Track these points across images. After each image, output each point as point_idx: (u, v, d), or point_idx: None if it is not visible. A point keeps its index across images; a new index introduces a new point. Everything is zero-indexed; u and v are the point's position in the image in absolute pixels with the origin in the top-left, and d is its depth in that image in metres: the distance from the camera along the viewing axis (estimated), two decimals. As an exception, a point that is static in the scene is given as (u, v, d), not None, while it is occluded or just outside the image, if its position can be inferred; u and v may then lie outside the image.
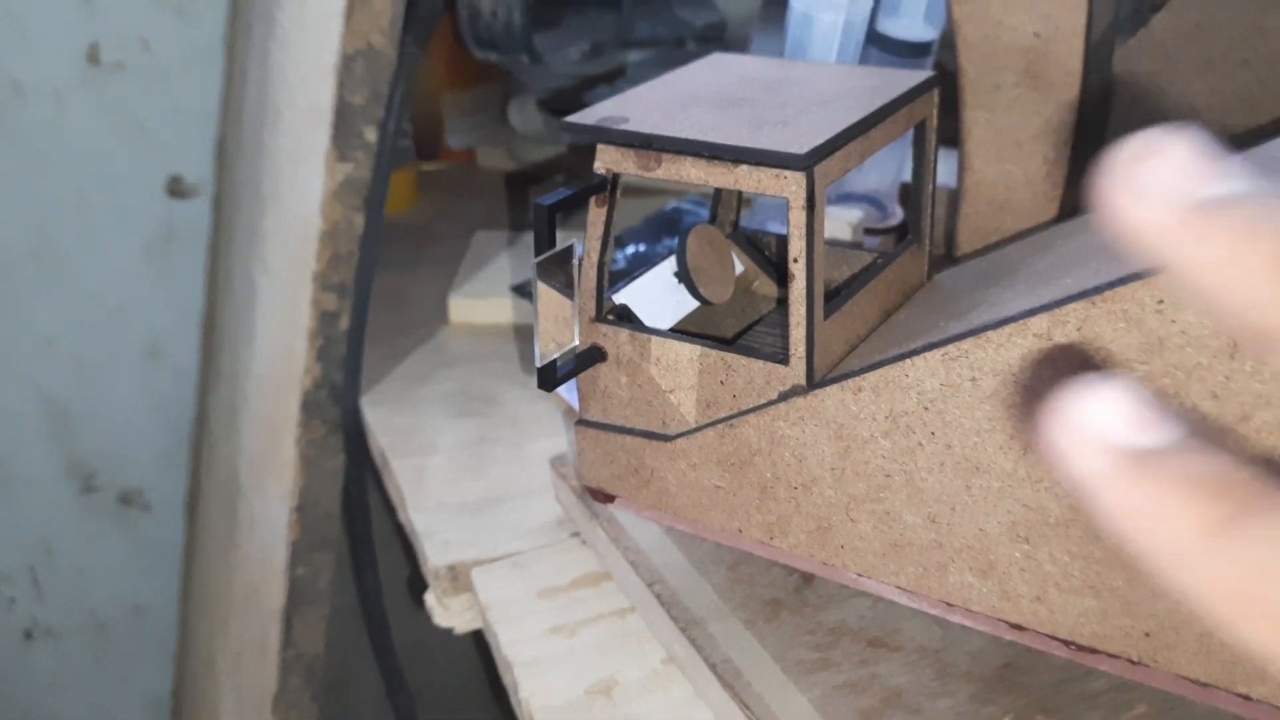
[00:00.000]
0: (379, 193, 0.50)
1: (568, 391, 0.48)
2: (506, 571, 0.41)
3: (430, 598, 0.42)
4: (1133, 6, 0.43)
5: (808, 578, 0.34)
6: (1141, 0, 0.47)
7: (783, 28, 0.41)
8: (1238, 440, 0.24)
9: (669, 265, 0.35)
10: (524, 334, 0.57)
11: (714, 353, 0.31)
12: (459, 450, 0.48)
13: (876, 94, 0.31)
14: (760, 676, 0.30)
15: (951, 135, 0.39)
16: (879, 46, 0.43)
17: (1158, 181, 0.16)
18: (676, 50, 0.66)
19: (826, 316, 0.30)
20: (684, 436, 0.32)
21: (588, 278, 0.32)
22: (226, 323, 0.70)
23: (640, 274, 0.34)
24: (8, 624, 0.90)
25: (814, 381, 0.30)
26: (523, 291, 0.57)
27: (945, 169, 0.39)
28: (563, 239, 0.31)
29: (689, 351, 0.31)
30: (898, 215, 0.47)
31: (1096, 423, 0.16)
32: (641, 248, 0.57)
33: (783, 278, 0.36)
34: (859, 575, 0.31)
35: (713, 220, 0.37)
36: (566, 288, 0.31)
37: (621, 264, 0.55)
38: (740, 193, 0.38)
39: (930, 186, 0.34)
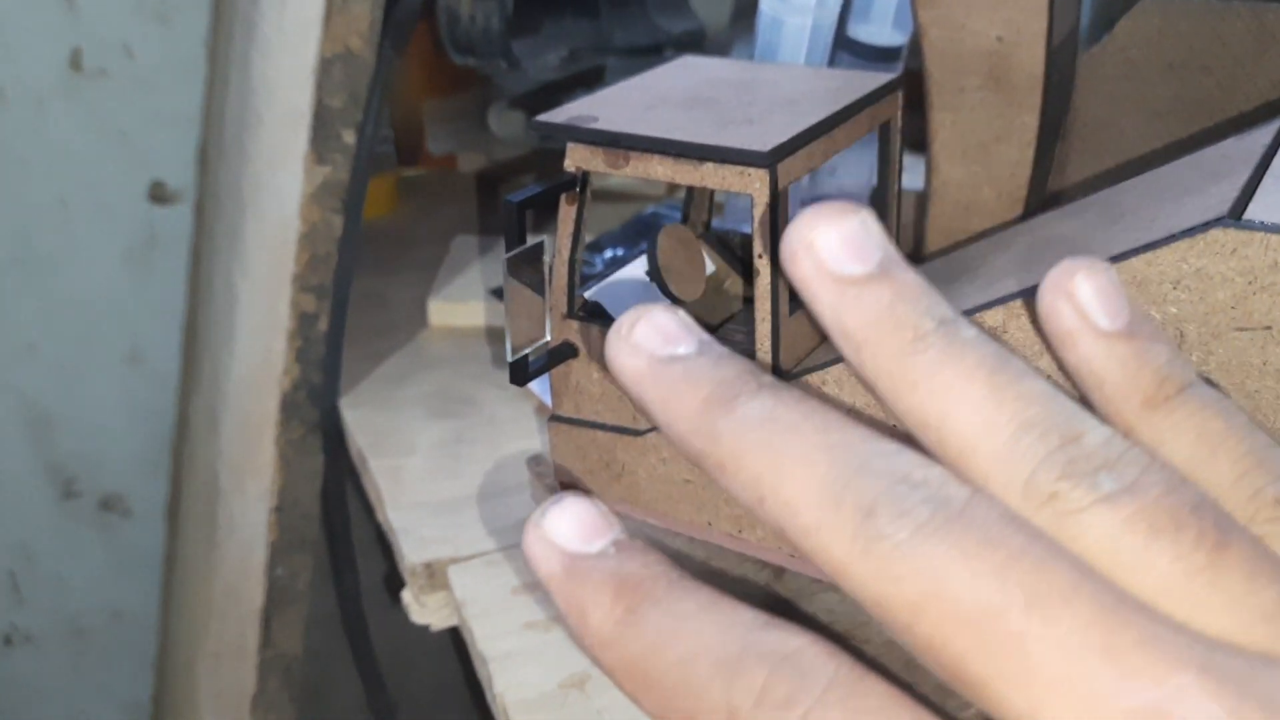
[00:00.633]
0: (357, 195, 0.50)
1: (544, 391, 0.49)
2: (482, 569, 0.41)
3: (407, 595, 0.43)
4: (1096, 14, 0.44)
5: (778, 572, 0.34)
6: (1108, 6, 0.48)
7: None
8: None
9: (640, 264, 0.35)
10: (502, 336, 0.57)
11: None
12: (437, 450, 0.49)
13: (841, 95, 0.32)
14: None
15: (920, 139, 0.40)
16: (849, 51, 0.43)
17: (643, 340, 0.21)
18: (655, 57, 0.67)
19: (792, 313, 0.30)
20: (654, 431, 0.33)
21: (559, 274, 0.33)
22: (207, 327, 0.70)
23: (612, 272, 0.35)
24: (-13, 630, 0.90)
25: (780, 375, 0.30)
26: (502, 295, 0.57)
27: (914, 172, 0.40)
28: (537, 239, 0.31)
29: (658, 347, 0.32)
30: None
31: (553, 530, 0.20)
32: (620, 251, 0.57)
33: (750, 276, 0.36)
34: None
35: (685, 221, 0.38)
36: (538, 284, 0.31)
37: (599, 267, 0.55)
38: (712, 194, 0.39)
39: (895, 186, 0.35)
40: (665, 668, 0.18)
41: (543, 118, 0.32)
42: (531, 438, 0.49)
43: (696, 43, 0.69)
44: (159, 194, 0.84)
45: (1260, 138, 0.28)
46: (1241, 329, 0.23)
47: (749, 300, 0.36)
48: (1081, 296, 0.20)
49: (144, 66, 0.79)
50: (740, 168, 0.29)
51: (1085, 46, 0.42)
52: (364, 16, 0.48)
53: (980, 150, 0.38)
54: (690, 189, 0.38)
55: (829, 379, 0.29)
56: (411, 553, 0.43)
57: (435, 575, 0.42)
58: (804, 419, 0.19)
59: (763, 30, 0.38)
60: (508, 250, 0.30)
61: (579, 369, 0.34)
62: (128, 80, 0.79)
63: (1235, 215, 0.23)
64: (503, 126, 0.69)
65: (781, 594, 0.34)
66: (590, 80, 0.67)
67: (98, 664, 0.94)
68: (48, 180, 0.80)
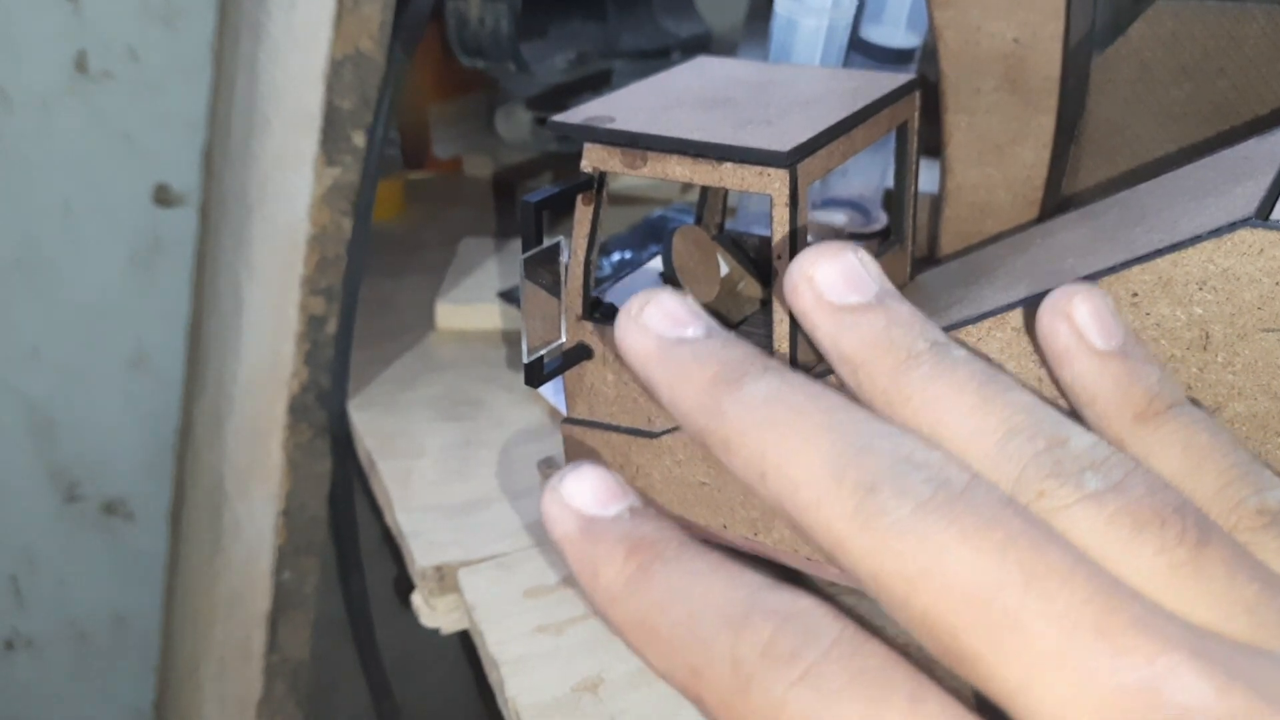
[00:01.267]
0: (367, 197, 0.50)
1: (554, 395, 0.49)
2: (493, 571, 0.41)
3: (417, 598, 0.42)
4: (1111, 16, 0.44)
5: (794, 575, 0.34)
6: (1120, 9, 0.48)
7: (766, 39, 0.42)
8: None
9: (656, 266, 0.35)
10: (511, 339, 0.57)
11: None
12: (446, 453, 0.49)
13: (859, 95, 0.32)
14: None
15: (934, 143, 0.40)
16: (862, 53, 0.43)
17: (652, 322, 0.22)
18: (661, 60, 0.67)
19: None
20: (669, 433, 0.33)
21: (574, 276, 0.32)
22: (212, 330, 0.70)
23: (628, 274, 0.35)
24: (-11, 634, 0.90)
25: (798, 376, 0.30)
26: (510, 298, 0.57)
27: (928, 175, 0.40)
28: (553, 240, 0.31)
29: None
30: (882, 220, 0.48)
31: (571, 494, 0.21)
32: (628, 254, 0.57)
33: (767, 278, 0.36)
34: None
35: (698, 222, 0.38)
36: (554, 285, 0.31)
37: (607, 270, 0.55)
38: (725, 196, 0.38)
39: (912, 188, 0.35)
40: (673, 622, 0.19)
41: (559, 118, 0.31)
42: (540, 440, 0.49)
43: (703, 46, 0.69)
44: (164, 197, 0.83)
45: (1276, 137, 0.28)
46: (1268, 329, 0.23)
47: (765, 303, 0.36)
48: (1078, 318, 0.22)
49: (149, 69, 0.79)
50: (760, 168, 0.28)
51: (1099, 49, 0.42)
52: (375, 18, 0.48)
53: (996, 152, 0.38)
54: (704, 191, 0.38)
55: (848, 381, 0.29)
56: (422, 556, 0.42)
57: (445, 578, 0.41)
58: (809, 399, 0.20)
59: (777, 31, 0.38)
60: (524, 251, 0.30)
61: (593, 371, 0.34)
62: (133, 83, 0.79)
63: (1263, 215, 0.23)
64: (509, 129, 0.69)
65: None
66: (597, 83, 0.67)
67: (100, 669, 0.93)
68: (52, 183, 0.80)
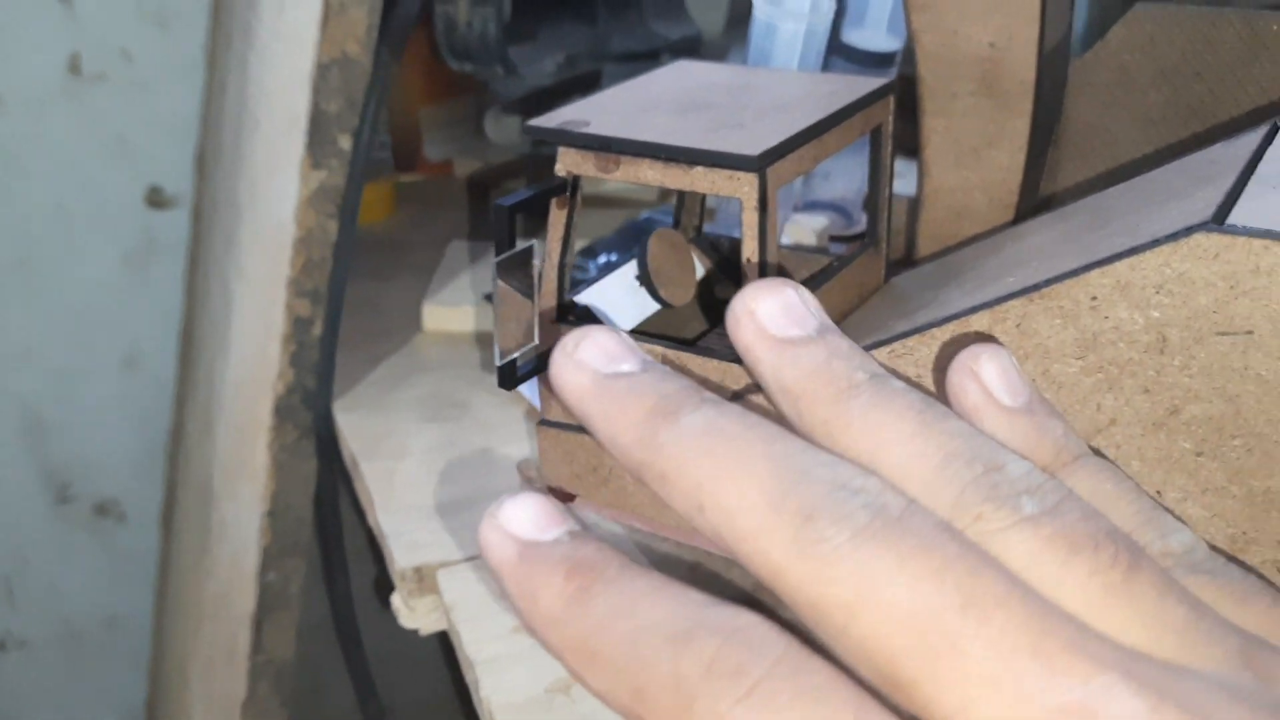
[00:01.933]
0: (353, 200, 0.50)
1: (531, 393, 0.49)
2: (471, 573, 0.41)
3: (396, 599, 0.42)
4: (1089, 20, 0.44)
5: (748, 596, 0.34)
6: (1107, 11, 0.48)
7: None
8: (1168, 434, 0.25)
9: (631, 269, 0.35)
10: (494, 341, 0.57)
11: (668, 352, 0.31)
12: (429, 454, 0.49)
13: (833, 99, 0.32)
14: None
15: (913, 144, 0.40)
16: (844, 57, 0.44)
17: (587, 357, 0.22)
18: (651, 63, 0.67)
19: None
20: (643, 435, 0.33)
21: (548, 279, 0.33)
22: (204, 331, 0.70)
23: (603, 277, 0.35)
24: (-19, 634, 0.90)
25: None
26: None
27: (906, 178, 0.40)
28: (527, 243, 0.31)
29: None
30: (863, 223, 0.48)
31: (509, 520, 0.21)
32: (614, 257, 0.57)
33: (739, 280, 0.36)
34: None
35: (676, 225, 0.38)
36: (527, 288, 0.31)
37: (593, 273, 0.55)
38: (704, 199, 0.39)
39: (886, 190, 0.35)
40: (614, 643, 0.18)
41: (535, 122, 0.32)
42: (522, 441, 0.49)
43: (693, 48, 0.70)
44: (156, 199, 0.84)
45: (1248, 143, 0.28)
46: (1223, 333, 0.23)
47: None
48: (985, 377, 0.23)
49: (142, 71, 0.80)
50: (730, 171, 0.29)
51: (1077, 53, 0.42)
52: (361, 21, 0.48)
53: (972, 155, 0.38)
54: (681, 194, 0.38)
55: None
56: (401, 557, 0.42)
57: (425, 579, 0.42)
58: (746, 429, 0.20)
59: (756, 36, 0.38)
60: (497, 254, 0.30)
61: (568, 372, 0.34)
62: (126, 85, 0.80)
63: (1218, 220, 0.23)
64: (499, 132, 0.69)
65: (766, 600, 0.34)
66: (587, 85, 0.67)
67: (93, 669, 0.94)
68: (46, 184, 0.80)
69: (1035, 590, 0.18)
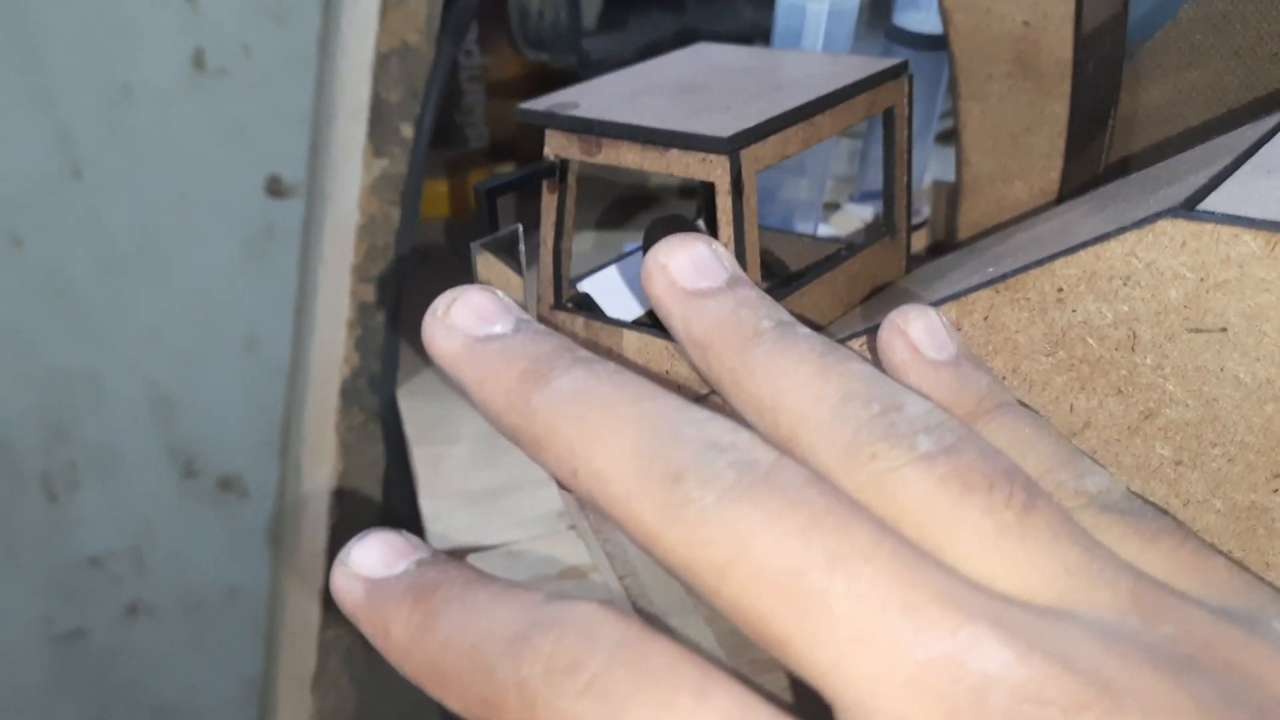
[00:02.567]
0: (414, 188, 0.51)
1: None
2: (501, 559, 0.41)
3: (429, 582, 0.43)
4: (1158, 1, 0.41)
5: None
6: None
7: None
8: (1145, 440, 0.23)
9: (636, 258, 0.35)
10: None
11: (659, 341, 0.31)
12: (480, 440, 0.49)
13: (834, 80, 0.31)
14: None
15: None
16: (894, 40, 0.42)
17: (459, 320, 0.22)
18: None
19: (782, 297, 0.29)
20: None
21: (545, 265, 0.32)
22: (307, 315, 0.73)
23: (606, 265, 0.34)
24: (113, 599, 0.96)
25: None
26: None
27: (946, 164, 0.38)
28: (512, 226, 0.31)
29: (635, 340, 0.31)
30: (922, 213, 0.46)
31: (357, 563, 0.20)
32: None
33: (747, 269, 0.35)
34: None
35: (700, 212, 0.37)
36: (515, 270, 0.31)
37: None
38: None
39: (903, 177, 0.33)
40: (459, 658, 0.18)
41: (526, 105, 0.31)
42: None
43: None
44: (275, 188, 0.87)
45: (1263, 125, 0.25)
46: (1196, 330, 0.21)
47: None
48: (913, 333, 0.23)
49: (261, 64, 0.83)
50: (703, 154, 0.28)
51: (1145, 35, 0.40)
52: (421, 11, 0.49)
53: (1010, 142, 0.36)
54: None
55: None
56: (437, 541, 0.43)
57: (455, 564, 0.42)
58: (616, 390, 0.19)
59: (781, 15, 0.37)
60: (479, 238, 0.30)
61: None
62: (246, 78, 0.83)
63: (1190, 205, 0.21)
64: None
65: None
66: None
67: (214, 637, 0.98)
68: (171, 174, 0.84)
69: (923, 535, 0.17)
